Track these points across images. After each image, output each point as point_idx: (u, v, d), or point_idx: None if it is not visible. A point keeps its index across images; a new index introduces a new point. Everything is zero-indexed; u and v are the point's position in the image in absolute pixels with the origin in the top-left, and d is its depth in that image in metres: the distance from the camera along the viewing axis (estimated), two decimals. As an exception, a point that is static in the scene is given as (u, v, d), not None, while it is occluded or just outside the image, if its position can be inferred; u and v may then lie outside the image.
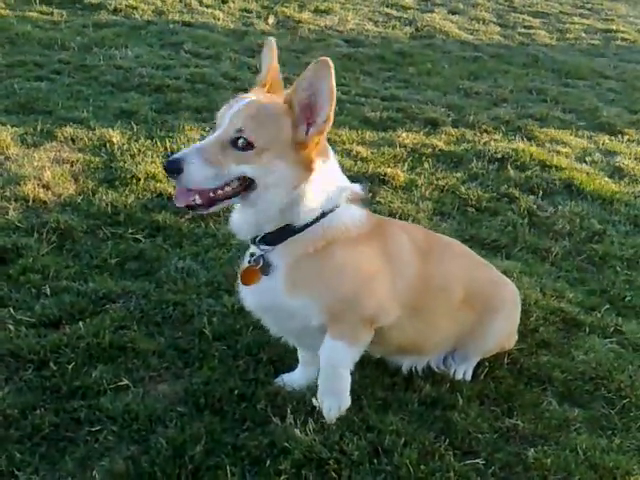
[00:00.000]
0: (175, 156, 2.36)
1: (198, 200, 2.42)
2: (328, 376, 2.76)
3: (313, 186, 2.50)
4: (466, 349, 3.11)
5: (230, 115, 2.39)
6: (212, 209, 2.49)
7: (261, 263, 2.59)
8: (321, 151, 2.52)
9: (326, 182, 2.54)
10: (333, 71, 2.33)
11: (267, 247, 2.58)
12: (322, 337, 2.69)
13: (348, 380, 2.78)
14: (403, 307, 2.77)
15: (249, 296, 2.73)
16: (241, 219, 2.60)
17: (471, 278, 3.06)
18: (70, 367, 2.91)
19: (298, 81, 2.39)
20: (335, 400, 2.76)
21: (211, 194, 2.42)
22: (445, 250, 3.07)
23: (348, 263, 2.60)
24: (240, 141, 2.36)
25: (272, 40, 2.59)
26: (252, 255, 2.63)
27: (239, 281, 2.71)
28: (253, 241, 2.61)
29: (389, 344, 2.91)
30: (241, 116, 2.38)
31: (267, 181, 2.42)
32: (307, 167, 2.46)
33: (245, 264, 2.67)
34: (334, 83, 2.35)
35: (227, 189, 2.43)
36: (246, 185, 2.43)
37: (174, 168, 2.33)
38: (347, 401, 2.79)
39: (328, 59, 2.33)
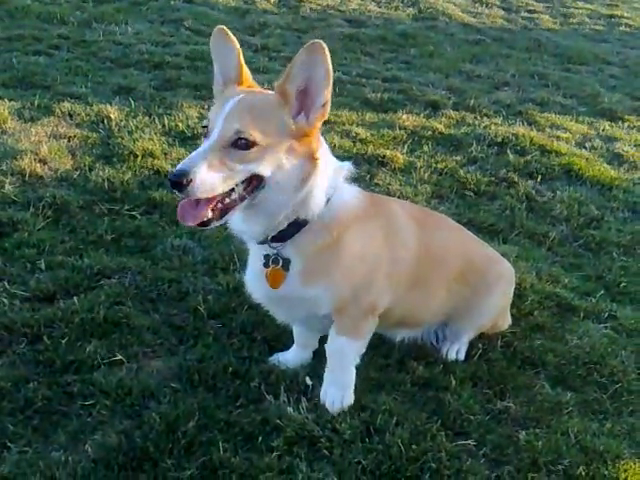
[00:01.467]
0: (179, 168, 2.19)
1: (209, 214, 2.28)
2: (334, 369, 2.77)
3: (320, 176, 2.44)
4: (460, 324, 3.12)
5: (224, 116, 2.26)
6: (223, 220, 2.34)
7: (281, 261, 2.54)
8: (318, 137, 2.47)
9: (327, 168, 2.50)
10: (327, 52, 2.27)
11: (278, 244, 2.52)
12: (330, 320, 2.71)
13: (353, 375, 2.78)
14: (405, 279, 2.79)
15: (259, 288, 2.68)
16: (248, 222, 2.44)
17: (467, 251, 3.09)
18: (64, 341, 2.91)
19: (290, 68, 2.31)
20: (339, 394, 2.75)
21: (219, 204, 2.29)
22: (440, 222, 3.11)
23: (360, 249, 2.60)
24: (241, 141, 2.24)
25: (223, 29, 2.43)
26: (267, 257, 2.54)
27: (257, 282, 2.64)
28: (262, 242, 2.52)
29: (388, 318, 2.92)
30: (236, 115, 2.26)
31: (277, 178, 2.33)
32: (312, 157, 2.39)
33: (261, 265, 2.57)
34: (330, 65, 2.28)
35: (233, 196, 2.31)
36: (254, 186, 2.33)
37: (181, 180, 2.16)
38: (350, 397, 2.77)
39: (321, 41, 2.26)
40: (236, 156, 2.24)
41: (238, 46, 2.42)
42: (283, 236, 2.49)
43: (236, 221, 2.47)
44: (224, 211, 2.30)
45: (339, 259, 2.55)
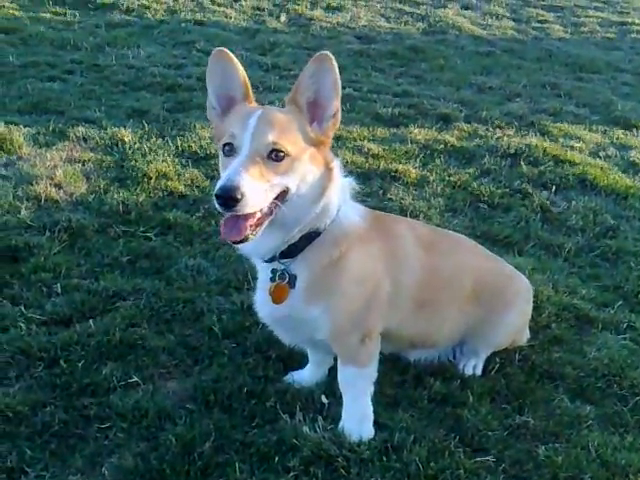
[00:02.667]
0: (226, 184, 2.14)
1: (249, 229, 2.25)
2: (349, 402, 2.73)
3: (335, 185, 2.47)
4: (476, 342, 3.10)
5: (252, 130, 2.25)
6: (257, 235, 2.30)
7: (287, 277, 2.52)
8: (331, 156, 2.50)
9: (339, 179, 2.53)
10: (335, 63, 2.32)
11: (286, 260, 2.51)
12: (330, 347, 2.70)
13: (369, 406, 2.73)
14: (410, 302, 2.77)
15: (266, 307, 2.66)
16: (262, 238, 2.35)
17: (479, 270, 3.05)
18: (80, 365, 2.93)
19: (300, 80, 2.37)
20: (357, 428, 2.69)
21: (257, 216, 2.26)
22: (450, 242, 3.07)
23: (360, 272, 2.58)
24: (276, 153, 2.24)
25: (223, 50, 2.42)
26: (274, 272, 2.53)
27: (264, 300, 2.61)
28: (270, 259, 2.51)
29: (399, 340, 2.91)
30: (265, 128, 2.26)
31: (301, 189, 2.34)
32: (328, 167, 2.44)
33: (268, 283, 2.56)
34: (338, 75, 2.34)
35: (265, 209, 2.28)
36: (280, 199, 2.31)
37: (235, 195, 2.12)
38: (370, 431, 2.70)
39: (328, 52, 2.32)
40: (272, 168, 2.25)
41: (240, 65, 2.44)
42: (293, 250, 2.48)
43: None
44: (257, 226, 2.29)
45: (340, 279, 2.54)
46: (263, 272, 2.62)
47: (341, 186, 2.53)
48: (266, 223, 2.32)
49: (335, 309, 2.57)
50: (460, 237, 3.24)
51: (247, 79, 2.45)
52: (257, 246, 2.45)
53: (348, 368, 2.70)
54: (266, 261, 2.53)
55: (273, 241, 2.44)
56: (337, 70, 2.33)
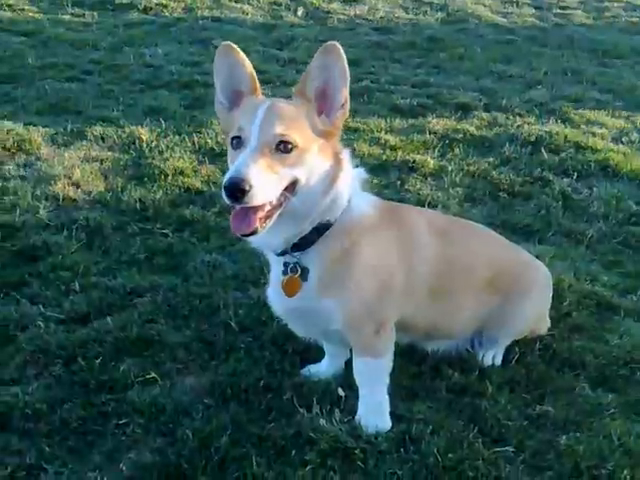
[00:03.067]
0: (234, 175, 2.13)
1: (258, 222, 2.23)
2: (364, 394, 2.71)
3: (345, 176, 2.46)
4: (495, 331, 3.05)
5: (260, 122, 2.24)
6: (266, 228, 2.28)
7: (299, 270, 2.51)
8: (340, 146, 2.50)
9: (349, 169, 2.51)
10: (343, 53, 2.30)
11: (298, 253, 2.49)
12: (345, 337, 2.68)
13: (385, 398, 2.71)
14: (425, 291, 2.74)
15: (279, 301, 2.65)
16: (273, 231, 2.33)
17: (496, 258, 3.01)
18: (98, 361, 2.94)
19: (308, 71, 2.36)
20: (373, 420, 2.66)
21: (267, 208, 2.24)
22: (466, 230, 3.03)
23: (373, 261, 2.56)
24: (283, 145, 2.23)
25: (229, 44, 2.42)
26: (286, 265, 2.51)
27: (278, 294, 2.60)
28: (282, 252, 2.50)
29: (415, 330, 2.88)
30: (272, 120, 2.25)
31: (310, 181, 2.33)
32: (337, 158, 2.43)
33: (280, 276, 2.54)
34: (346, 65, 2.32)
35: (274, 202, 2.26)
36: (290, 191, 2.30)
37: (243, 187, 2.10)
38: (386, 423, 2.67)
39: (335, 43, 2.31)
40: (280, 160, 2.24)
41: (247, 59, 2.43)
42: (304, 243, 2.46)
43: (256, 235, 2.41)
44: (267, 218, 2.27)
45: (353, 270, 2.52)
46: (275, 265, 2.61)
47: (351, 177, 2.51)
48: (276, 216, 2.30)
49: (349, 300, 2.55)
50: (474, 224, 3.21)
51: (254, 72, 2.44)
52: (268, 239, 2.43)
53: (363, 359, 2.68)
54: (278, 254, 2.52)
55: (284, 233, 2.42)
56: (345, 60, 2.32)
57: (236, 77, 2.43)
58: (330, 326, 2.61)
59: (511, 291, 2.99)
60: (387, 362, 2.70)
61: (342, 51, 2.30)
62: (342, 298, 2.54)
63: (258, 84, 2.44)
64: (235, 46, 2.42)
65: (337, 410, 2.72)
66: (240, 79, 2.42)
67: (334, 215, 2.46)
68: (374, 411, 2.69)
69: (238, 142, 2.29)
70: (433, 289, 2.77)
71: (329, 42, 2.33)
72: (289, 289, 2.54)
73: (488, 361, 3.06)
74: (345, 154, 2.49)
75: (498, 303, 2.98)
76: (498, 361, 3.07)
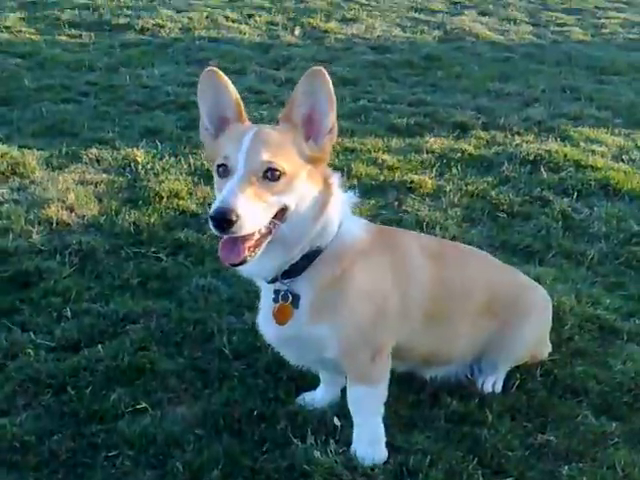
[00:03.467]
0: (221, 206, 2.08)
1: (247, 251, 2.18)
2: (359, 423, 2.64)
3: (335, 201, 2.41)
4: (494, 357, 2.98)
5: (246, 149, 2.19)
6: (256, 256, 2.23)
7: (290, 298, 2.45)
8: (328, 171, 2.45)
9: (339, 194, 2.46)
10: (328, 78, 2.26)
11: (289, 280, 2.43)
12: (339, 366, 2.62)
13: (381, 428, 2.64)
14: (420, 316, 2.68)
15: (271, 328, 2.58)
16: (262, 259, 2.28)
17: (493, 281, 2.96)
18: (88, 391, 2.88)
19: (294, 96, 2.31)
20: (370, 450, 2.59)
21: (256, 237, 2.19)
22: (461, 254, 2.98)
23: (367, 286, 2.50)
24: (271, 172, 2.18)
25: (213, 69, 2.36)
26: (277, 292, 2.45)
27: (269, 321, 2.53)
28: (273, 280, 2.44)
29: (411, 356, 2.81)
30: (259, 147, 2.20)
31: (299, 208, 2.28)
32: (326, 183, 2.38)
33: (271, 304, 2.48)
34: (332, 89, 2.28)
35: (263, 230, 2.21)
36: (278, 219, 2.24)
37: (230, 217, 2.05)
38: (382, 453, 2.60)
39: (321, 68, 2.26)
40: (267, 188, 2.18)
41: (231, 85, 2.38)
42: (295, 270, 2.41)
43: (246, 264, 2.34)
44: (256, 247, 2.22)
45: (345, 296, 2.46)
46: (266, 293, 2.55)
47: (342, 201, 2.46)
48: (265, 244, 2.24)
49: (342, 327, 2.48)
50: (469, 248, 3.16)
51: (239, 98, 2.39)
52: (258, 267, 2.37)
53: (358, 387, 2.61)
54: (268, 282, 2.47)
55: (274, 261, 2.36)
56: (331, 84, 2.28)
57: (221, 103, 2.37)
58: (324, 354, 2.54)
59: (509, 315, 2.93)
60: (382, 390, 2.62)
61: (327, 76, 2.26)
62: (335, 324, 2.47)
63: (244, 110, 2.39)
64: (219, 71, 2.37)
65: (332, 441, 2.65)
66: (225, 105, 2.37)
67: (324, 241, 2.41)
68: (369, 441, 2.62)
69: (224, 170, 2.24)
70: (428, 314, 2.71)
71: (314, 67, 2.28)
72: (280, 317, 2.48)
73: (488, 388, 2.99)
74: (334, 179, 2.44)
75: (496, 328, 2.92)
76: (498, 388, 3.00)
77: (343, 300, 2.46)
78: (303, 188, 2.28)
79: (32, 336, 3.19)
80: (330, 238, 2.41)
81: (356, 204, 2.58)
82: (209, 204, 4.44)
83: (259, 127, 2.34)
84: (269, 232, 2.23)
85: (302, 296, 2.44)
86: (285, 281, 2.43)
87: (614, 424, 2.83)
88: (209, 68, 2.39)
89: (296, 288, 2.44)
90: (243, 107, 2.39)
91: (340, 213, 2.44)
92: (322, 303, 2.45)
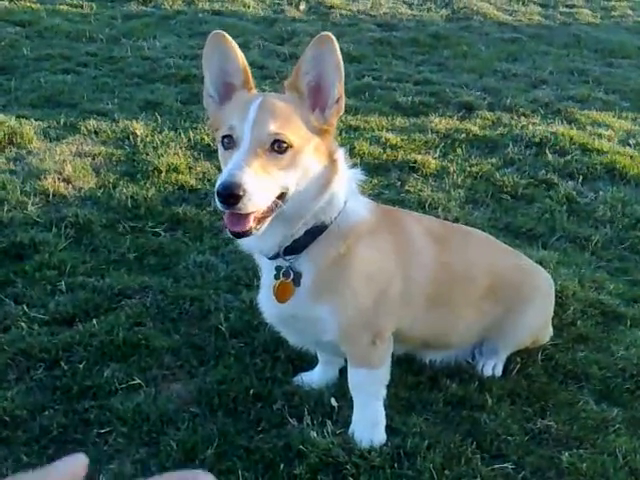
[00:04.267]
0: (227, 180, 1.98)
1: (252, 222, 2.08)
2: (359, 405, 2.59)
3: (340, 178, 2.31)
4: (495, 341, 2.93)
5: (252, 120, 2.08)
6: (261, 229, 2.14)
7: (292, 275, 2.37)
8: (335, 146, 2.35)
9: (344, 170, 2.37)
10: (337, 44, 2.15)
11: (291, 256, 2.36)
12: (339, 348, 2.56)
13: (381, 411, 2.59)
14: (422, 300, 2.62)
15: (270, 307, 2.52)
16: (265, 234, 2.19)
17: (496, 265, 2.89)
18: (82, 366, 2.83)
19: (300, 63, 2.20)
20: (368, 434, 2.55)
21: (262, 210, 2.09)
22: (464, 237, 2.90)
23: (370, 267, 2.43)
24: (279, 144, 2.08)
25: (221, 33, 2.25)
26: (278, 268, 2.38)
27: (269, 299, 2.46)
28: (274, 256, 2.37)
29: (412, 339, 2.76)
30: (266, 118, 2.09)
31: (304, 183, 2.18)
32: (332, 158, 2.28)
33: (272, 281, 2.40)
34: (340, 57, 2.17)
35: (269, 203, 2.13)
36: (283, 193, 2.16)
37: (237, 192, 1.96)
38: (381, 436, 2.56)
39: (329, 33, 2.16)
40: (274, 161, 2.08)
41: (239, 49, 2.27)
42: (298, 246, 2.33)
43: (247, 238, 2.26)
44: (261, 219, 2.13)
45: (348, 276, 2.38)
46: (267, 270, 2.48)
47: (347, 178, 2.37)
48: (270, 218, 2.15)
49: (344, 308, 2.41)
50: (473, 231, 3.08)
51: (247, 64, 2.29)
52: (260, 242, 2.30)
53: (359, 370, 2.56)
54: (270, 258, 2.39)
55: (276, 236, 2.28)
56: (339, 52, 2.17)
57: (227, 69, 2.26)
58: (324, 335, 2.47)
59: (513, 300, 2.87)
60: (384, 373, 2.57)
61: (336, 43, 2.15)
62: (337, 305, 2.40)
63: (251, 77, 2.30)
64: (227, 35, 2.26)
65: (329, 422, 2.61)
66: (232, 71, 2.26)
67: (329, 217, 2.32)
68: (369, 424, 2.57)
69: (230, 141, 2.13)
70: (431, 298, 2.65)
71: (322, 33, 2.17)
72: (281, 294, 2.41)
73: (488, 372, 2.94)
74: (340, 154, 2.35)
75: (499, 312, 2.86)
76: (498, 372, 2.95)
77: (346, 280, 2.39)
78: (309, 162, 2.18)
79: (25, 309, 3.14)
80: (335, 214, 2.32)
81: (362, 182, 2.50)
82: (209, 180, 4.39)
83: (265, 96, 2.23)
84: (274, 208, 2.14)
85: (304, 274, 2.37)
86: (287, 258, 2.35)
87: (615, 410, 2.78)
88: (216, 31, 2.28)
89: (298, 265, 2.36)
90: (251, 74, 2.30)
91: (346, 190, 2.36)
92: (324, 282, 2.38)
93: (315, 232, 2.33)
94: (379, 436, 2.56)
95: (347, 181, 2.38)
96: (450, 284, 2.71)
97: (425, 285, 2.62)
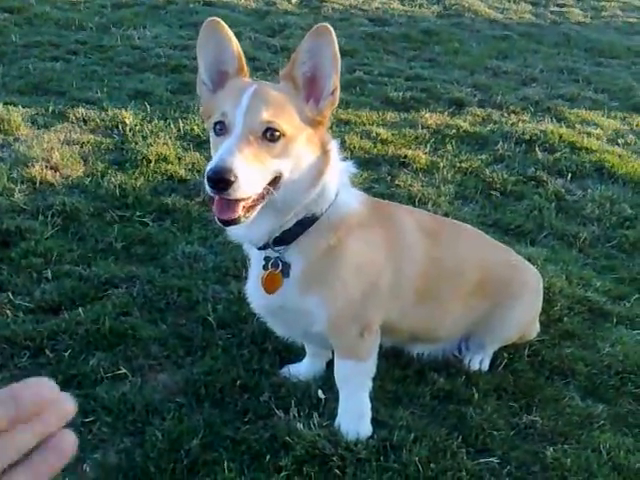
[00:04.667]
0: (217, 165, 1.96)
1: (241, 211, 2.06)
2: (345, 397, 2.59)
3: (332, 169, 2.30)
4: (483, 336, 2.94)
5: (245, 107, 2.06)
6: (250, 218, 2.11)
7: (280, 265, 2.36)
8: (328, 137, 2.33)
9: (337, 162, 2.36)
10: (334, 36, 2.14)
11: (281, 247, 2.34)
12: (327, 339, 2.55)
13: (366, 403, 2.58)
14: (411, 293, 2.62)
15: (259, 297, 2.50)
16: (254, 223, 2.17)
17: (486, 261, 2.89)
18: (67, 354, 2.80)
19: (297, 53, 2.18)
20: (354, 425, 2.54)
21: (252, 198, 2.07)
22: (455, 232, 2.91)
23: (360, 259, 2.42)
24: (271, 132, 2.06)
25: (216, 19, 2.24)
26: (267, 259, 2.36)
27: (257, 290, 2.45)
28: (264, 246, 2.35)
29: (400, 332, 2.76)
30: (259, 105, 2.07)
31: (296, 173, 2.16)
32: (325, 149, 2.27)
33: (261, 272, 2.39)
34: (337, 49, 2.16)
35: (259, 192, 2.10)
36: (274, 182, 2.13)
37: (228, 177, 1.93)
38: (367, 428, 2.55)
39: (327, 24, 2.15)
40: (266, 149, 2.06)
41: (234, 37, 2.25)
42: (287, 237, 2.31)
43: (235, 227, 2.25)
44: (250, 208, 2.10)
45: (338, 268, 2.38)
46: (255, 260, 2.47)
47: (339, 170, 2.36)
48: (259, 207, 2.13)
49: (332, 300, 2.40)
50: (464, 226, 3.08)
51: (241, 51, 2.27)
52: (249, 231, 2.28)
53: (346, 362, 2.55)
54: (259, 248, 2.38)
55: (266, 226, 2.26)
56: (336, 44, 2.16)
57: (222, 56, 2.25)
58: (312, 327, 2.46)
59: (501, 295, 2.87)
60: (371, 366, 2.56)
61: (334, 34, 2.14)
62: (326, 297, 2.39)
63: (245, 64, 2.29)
64: (222, 22, 2.24)
65: (316, 414, 2.60)
66: (226, 59, 2.24)
67: (320, 209, 2.31)
68: (355, 416, 2.56)
69: (222, 128, 2.11)
70: (419, 292, 2.64)
71: (321, 24, 2.16)
72: (269, 285, 2.39)
73: (475, 366, 2.95)
74: (333, 145, 2.33)
75: (487, 307, 2.87)
76: (485, 366, 2.96)
77: (335, 272, 2.38)
78: (301, 152, 2.16)
79: (10, 296, 3.11)
80: (326, 206, 2.31)
81: (354, 174, 2.50)
82: (198, 170, 4.37)
83: (259, 84, 2.22)
84: (264, 195, 2.12)
85: (293, 265, 2.35)
86: (276, 248, 2.34)
87: (600, 406, 2.80)
88: (211, 18, 2.26)
89: (287, 256, 2.35)
90: (245, 61, 2.28)
91: (337, 182, 2.35)
92: (313, 274, 2.37)
93: (305, 223, 2.31)
94: (365, 428, 2.55)
95: (339, 173, 2.36)
96: (440, 279, 2.71)
97: (415, 279, 2.61)
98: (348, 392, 2.58)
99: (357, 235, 2.40)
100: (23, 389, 0.77)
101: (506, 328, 2.94)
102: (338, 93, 2.25)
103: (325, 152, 2.27)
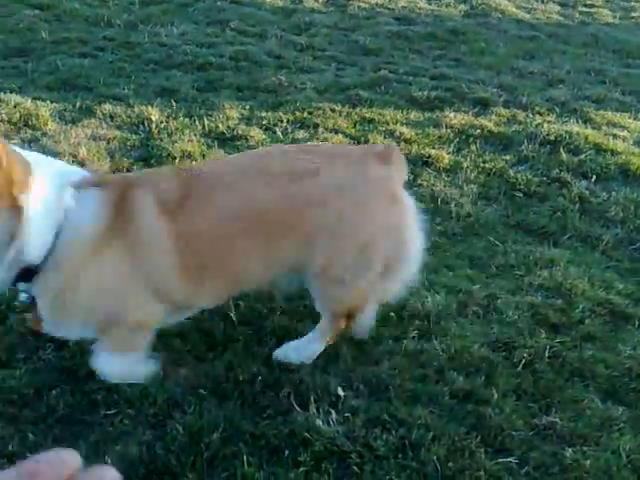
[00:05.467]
0: None
1: None
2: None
3: (32, 225, 2.16)
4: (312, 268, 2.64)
5: None
6: None
7: (31, 300, 2.38)
8: (18, 181, 2.09)
9: (43, 207, 2.18)
10: None
11: (25, 284, 2.32)
12: None
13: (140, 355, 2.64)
14: (178, 277, 2.45)
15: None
16: None
17: (261, 203, 2.49)
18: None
19: None
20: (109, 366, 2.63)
21: None
22: (210, 189, 2.48)
23: (100, 284, 2.37)
24: None
25: None
26: (19, 300, 2.43)
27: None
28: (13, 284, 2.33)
29: (211, 299, 2.76)
30: None
31: None
32: (15, 206, 2.10)
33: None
34: None
35: None
36: None
37: None
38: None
39: None
40: None
41: None
42: (26, 276, 2.29)
43: None
44: None
45: (77, 304, 2.38)
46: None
47: (55, 205, 2.20)
48: None
49: (84, 324, 2.45)
50: (238, 164, 2.67)
51: None
52: None
53: (108, 355, 2.60)
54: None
55: None
56: None
57: None
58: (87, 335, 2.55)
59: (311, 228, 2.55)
60: (141, 354, 2.64)
61: None
62: (82, 317, 2.44)
63: None
64: None
65: (334, 411, 2.62)
66: None
67: (35, 259, 2.23)
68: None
69: None
70: (190, 268, 2.44)
71: None
72: (34, 322, 2.53)
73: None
74: (32, 191, 2.13)
75: (301, 243, 2.57)
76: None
77: (77, 305, 2.39)
78: None
79: (37, 289, 3.16)
80: (42, 253, 2.23)
81: (83, 182, 2.31)
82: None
83: None
84: None
85: (38, 302, 2.38)
86: (20, 285, 2.35)
87: (620, 409, 2.79)
88: None
89: (34, 292, 2.36)
90: None
91: (50, 225, 2.21)
92: (59, 304, 2.37)
93: (29, 271, 2.27)
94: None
95: (54, 211, 2.21)
96: (206, 247, 2.46)
97: (173, 265, 2.42)
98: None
99: (91, 263, 2.32)
100: (40, 466, 0.67)
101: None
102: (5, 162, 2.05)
103: (15, 209, 2.10)
